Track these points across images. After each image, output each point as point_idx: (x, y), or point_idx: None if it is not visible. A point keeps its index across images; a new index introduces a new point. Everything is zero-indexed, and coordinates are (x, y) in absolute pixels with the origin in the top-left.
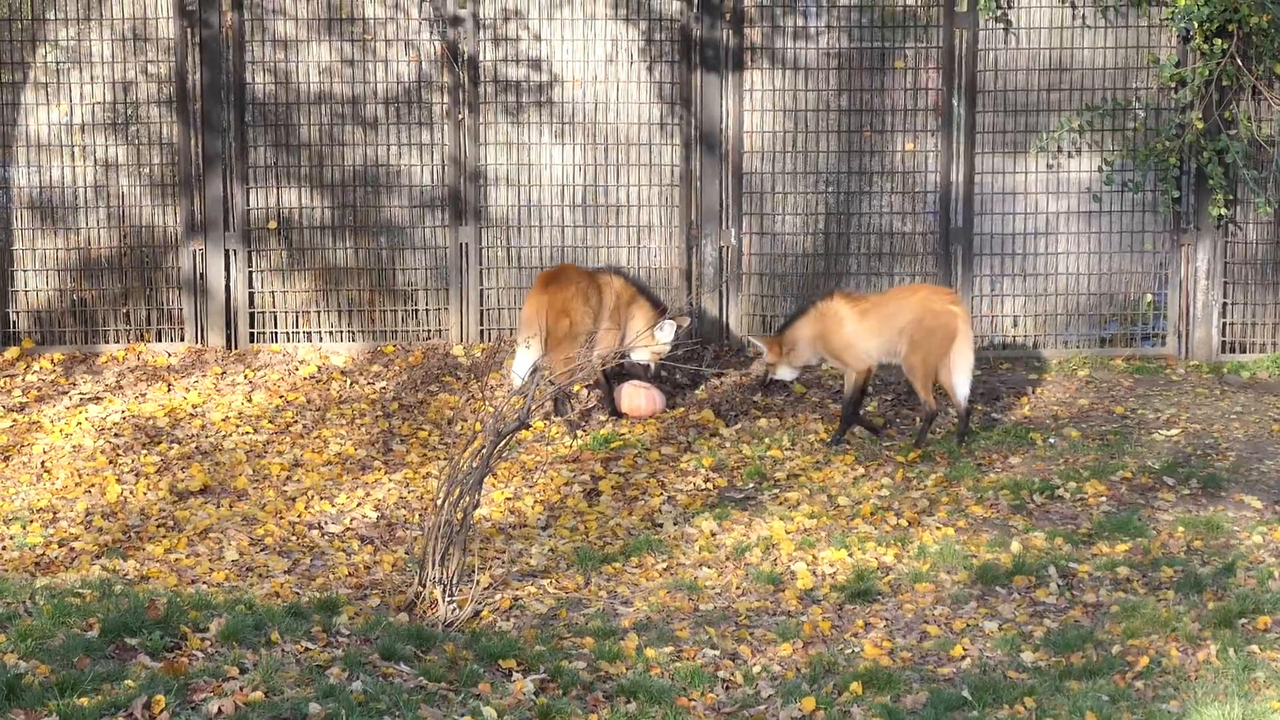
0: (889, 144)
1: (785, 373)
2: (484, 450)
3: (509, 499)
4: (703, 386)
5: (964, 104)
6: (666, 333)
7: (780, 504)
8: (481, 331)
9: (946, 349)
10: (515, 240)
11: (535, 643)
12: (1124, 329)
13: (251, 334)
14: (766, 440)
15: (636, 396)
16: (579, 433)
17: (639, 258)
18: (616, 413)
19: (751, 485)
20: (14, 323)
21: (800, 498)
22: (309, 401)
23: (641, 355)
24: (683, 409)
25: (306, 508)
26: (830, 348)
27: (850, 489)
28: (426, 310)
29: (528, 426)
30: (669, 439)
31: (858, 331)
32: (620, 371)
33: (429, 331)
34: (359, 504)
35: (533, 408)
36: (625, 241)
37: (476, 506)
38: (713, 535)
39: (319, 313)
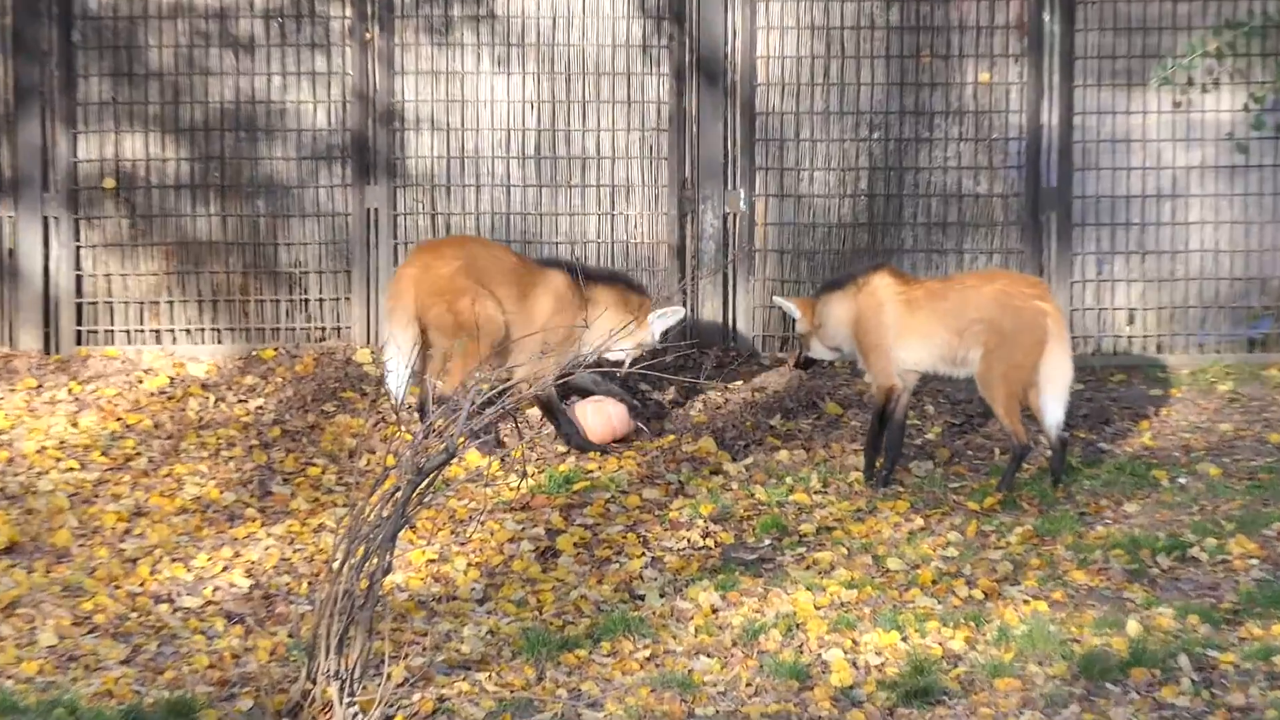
0: (956, 74)
1: (817, 349)
2: (399, 494)
3: (433, 561)
4: (700, 405)
5: (1059, 19)
6: (666, 320)
7: (807, 568)
8: None
9: (1034, 358)
10: (443, 204)
11: None
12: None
13: (79, 333)
14: (788, 480)
15: (592, 416)
16: (529, 469)
17: (612, 229)
18: (582, 444)
19: (768, 542)
20: None
21: (835, 559)
22: (157, 426)
23: (622, 347)
24: (672, 436)
25: (152, 573)
26: (858, 339)
27: (904, 547)
28: (321, 301)
29: (454, 457)
30: (654, 478)
31: (897, 327)
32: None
33: (324, 330)
34: (225, 568)
35: (463, 433)
36: (593, 206)
37: (388, 571)
38: (714, 612)
39: (172, 304)
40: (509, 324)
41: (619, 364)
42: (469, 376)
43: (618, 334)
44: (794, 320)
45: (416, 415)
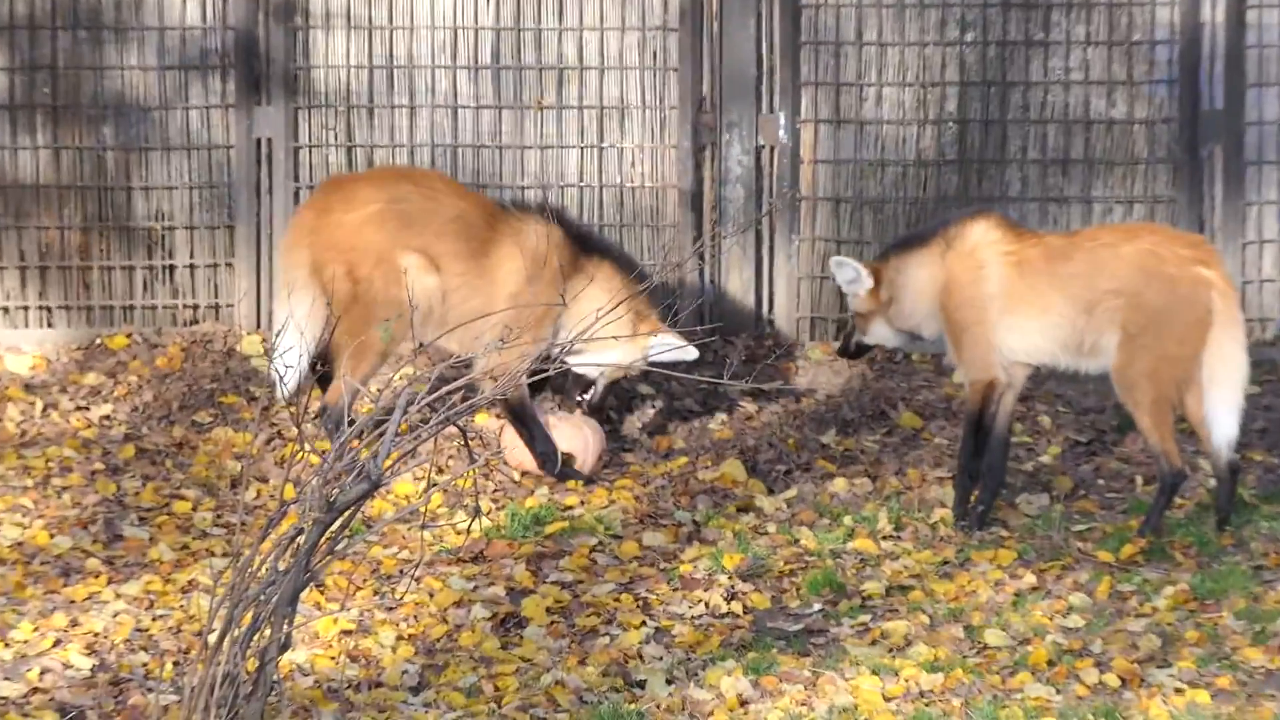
0: None
1: (880, 332)
2: (301, 539)
3: (349, 633)
4: (722, 416)
5: None
6: (669, 352)
7: (873, 643)
8: None
9: (1193, 347)
10: (364, 132)
11: None
12: None
13: None
14: (847, 520)
15: (568, 437)
16: (484, 504)
17: (600, 168)
18: (564, 470)
19: (818, 607)
20: None
21: (912, 631)
22: None
23: (595, 360)
24: (685, 459)
25: None
26: (946, 316)
27: (1009, 615)
28: (192, 268)
29: (378, 488)
30: (658, 517)
31: (1003, 299)
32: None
33: (196, 309)
34: (58, 642)
35: (391, 451)
36: (575, 137)
37: (286, 648)
38: (742, 705)
39: None
40: (449, 294)
41: (585, 384)
42: (369, 372)
43: (598, 332)
44: (854, 292)
45: (325, 427)
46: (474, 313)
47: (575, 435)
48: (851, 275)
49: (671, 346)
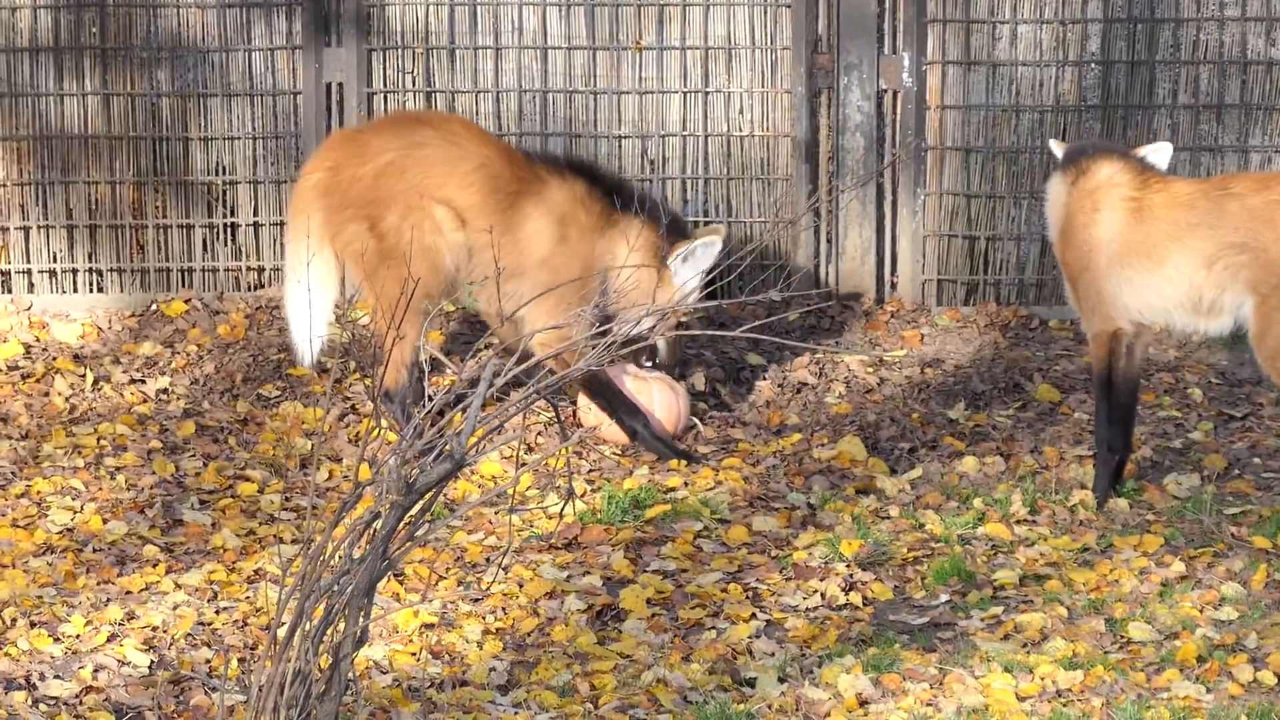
0: None
1: None
2: (378, 524)
3: (430, 627)
4: (841, 387)
5: None
6: (696, 259)
7: (1005, 637)
8: None
9: None
10: (443, 76)
11: None
12: None
13: None
14: (977, 502)
15: (659, 400)
16: (578, 486)
17: (706, 115)
18: (663, 445)
19: (945, 598)
20: None
21: (1049, 624)
22: (5, 419)
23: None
24: (798, 435)
25: None
26: (1062, 252)
27: (1155, 607)
28: (256, 226)
29: (462, 468)
30: (769, 499)
31: (1117, 244)
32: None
33: (261, 271)
34: (113, 637)
35: (476, 428)
36: (677, 81)
37: (362, 642)
38: (862, 705)
39: (27, 231)
40: (476, 253)
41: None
42: (416, 337)
43: (633, 278)
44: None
45: (392, 415)
46: (505, 276)
47: (659, 395)
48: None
49: (686, 252)
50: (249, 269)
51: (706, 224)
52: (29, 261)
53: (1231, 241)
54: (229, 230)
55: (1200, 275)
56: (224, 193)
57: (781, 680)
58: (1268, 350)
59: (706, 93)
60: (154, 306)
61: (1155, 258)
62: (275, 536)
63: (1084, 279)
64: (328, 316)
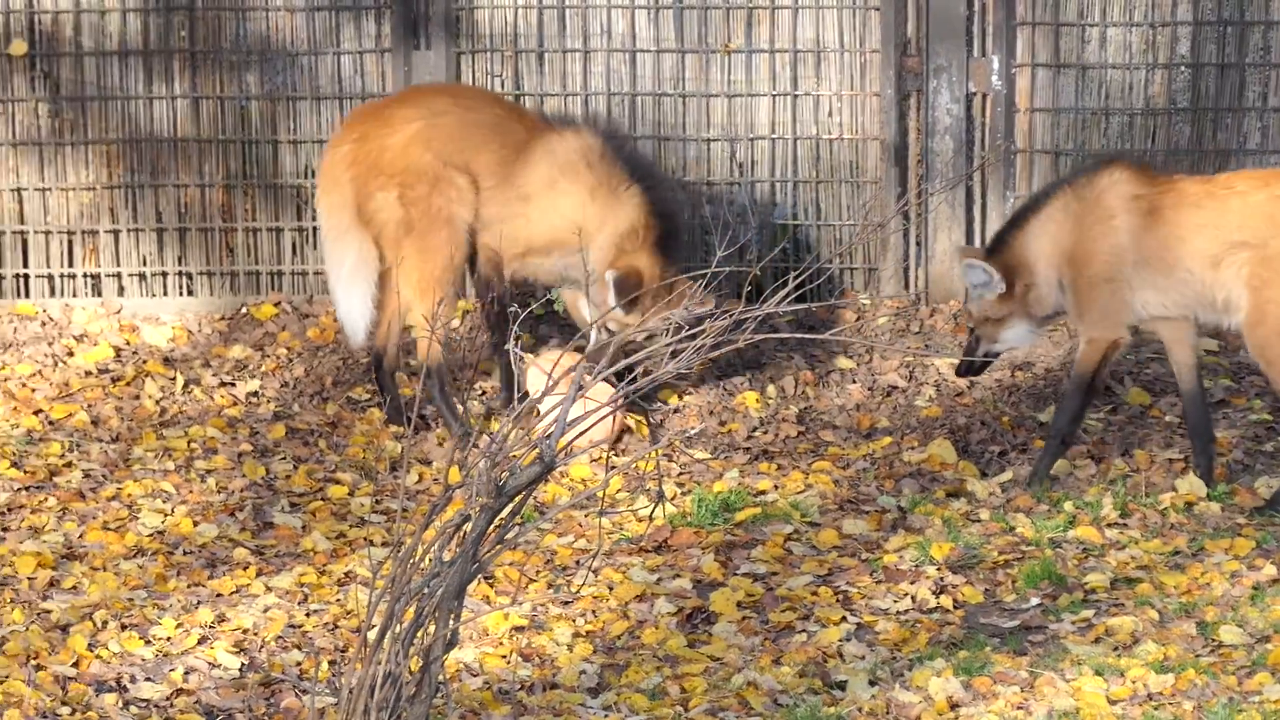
0: None
1: (1018, 331)
2: (468, 527)
3: (521, 629)
4: (931, 391)
5: None
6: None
7: (1096, 641)
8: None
9: None
10: (533, 79)
11: None
12: None
13: None
14: (1067, 505)
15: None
16: (668, 488)
17: (795, 118)
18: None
19: (1036, 602)
20: None
21: (1140, 628)
22: (97, 423)
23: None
24: (888, 439)
25: (92, 647)
26: (1075, 270)
27: (1247, 610)
28: None
29: (552, 470)
30: (860, 502)
31: (1135, 250)
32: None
33: None
34: (203, 640)
35: (563, 428)
36: (766, 84)
37: (452, 645)
38: (953, 708)
39: (118, 234)
40: (483, 210)
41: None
42: (447, 309)
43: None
44: (981, 295)
45: (429, 390)
46: (511, 231)
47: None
48: (982, 279)
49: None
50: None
51: (795, 227)
52: (119, 265)
53: (1235, 240)
54: (318, 233)
55: (1210, 275)
56: (313, 195)
57: (872, 683)
58: (1259, 339)
59: (795, 95)
60: (244, 310)
61: (1166, 261)
62: (365, 539)
63: (1105, 287)
64: (371, 290)
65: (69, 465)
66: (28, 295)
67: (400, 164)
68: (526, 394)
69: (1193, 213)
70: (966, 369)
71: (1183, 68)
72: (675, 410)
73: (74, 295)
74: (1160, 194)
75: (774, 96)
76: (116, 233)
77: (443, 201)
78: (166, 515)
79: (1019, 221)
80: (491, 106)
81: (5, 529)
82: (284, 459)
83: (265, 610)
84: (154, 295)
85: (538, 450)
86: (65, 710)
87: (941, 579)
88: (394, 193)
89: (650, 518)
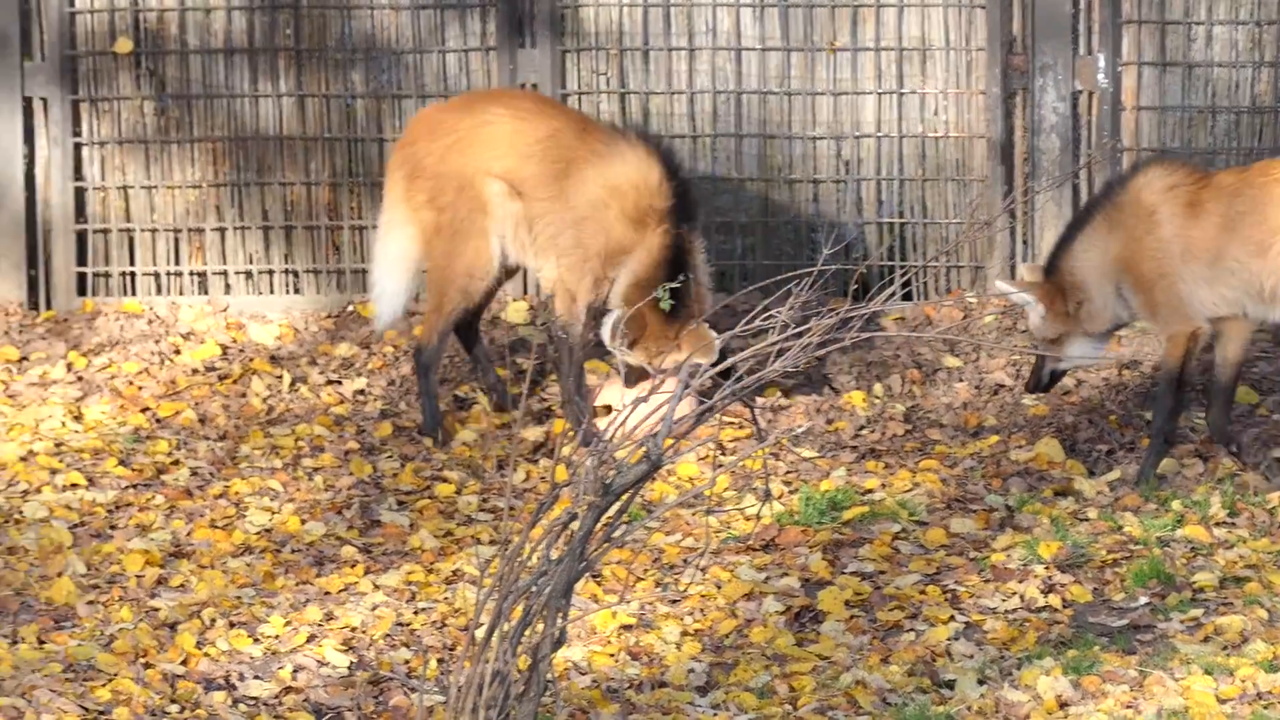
0: None
1: (1080, 348)
2: (575, 525)
3: (628, 628)
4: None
5: None
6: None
7: (1205, 639)
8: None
9: None
10: (637, 78)
11: None
12: None
13: (82, 276)
14: (1175, 504)
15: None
16: (775, 487)
17: (900, 117)
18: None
19: (1144, 600)
20: None
21: (1249, 627)
22: (204, 420)
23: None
24: (996, 438)
25: (200, 645)
26: (1134, 276)
27: None
28: None
29: (658, 469)
30: (967, 501)
31: (1180, 243)
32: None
33: None
34: (311, 638)
35: (670, 426)
36: (871, 82)
37: (560, 644)
38: (1062, 707)
39: (224, 232)
40: (535, 220)
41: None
42: (451, 311)
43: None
44: (1033, 319)
45: (416, 365)
46: (565, 243)
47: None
48: (1021, 300)
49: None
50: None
51: (901, 226)
52: (225, 263)
53: (1276, 227)
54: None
55: (1257, 263)
56: None
57: (980, 682)
58: None
59: (901, 94)
60: (350, 307)
61: (1213, 253)
62: (473, 537)
63: (1161, 283)
64: (407, 282)
65: (176, 463)
66: (134, 293)
67: (436, 169)
68: (609, 407)
69: (1233, 201)
70: (1034, 385)
71: None
72: (782, 409)
73: (180, 293)
74: (1199, 187)
75: (879, 94)
76: (223, 230)
77: (472, 210)
78: (274, 513)
79: (1066, 242)
80: (550, 118)
81: (113, 527)
82: (391, 457)
83: (373, 608)
84: (260, 293)
85: (644, 449)
86: (174, 708)
87: (1050, 578)
88: (428, 196)
89: (758, 516)
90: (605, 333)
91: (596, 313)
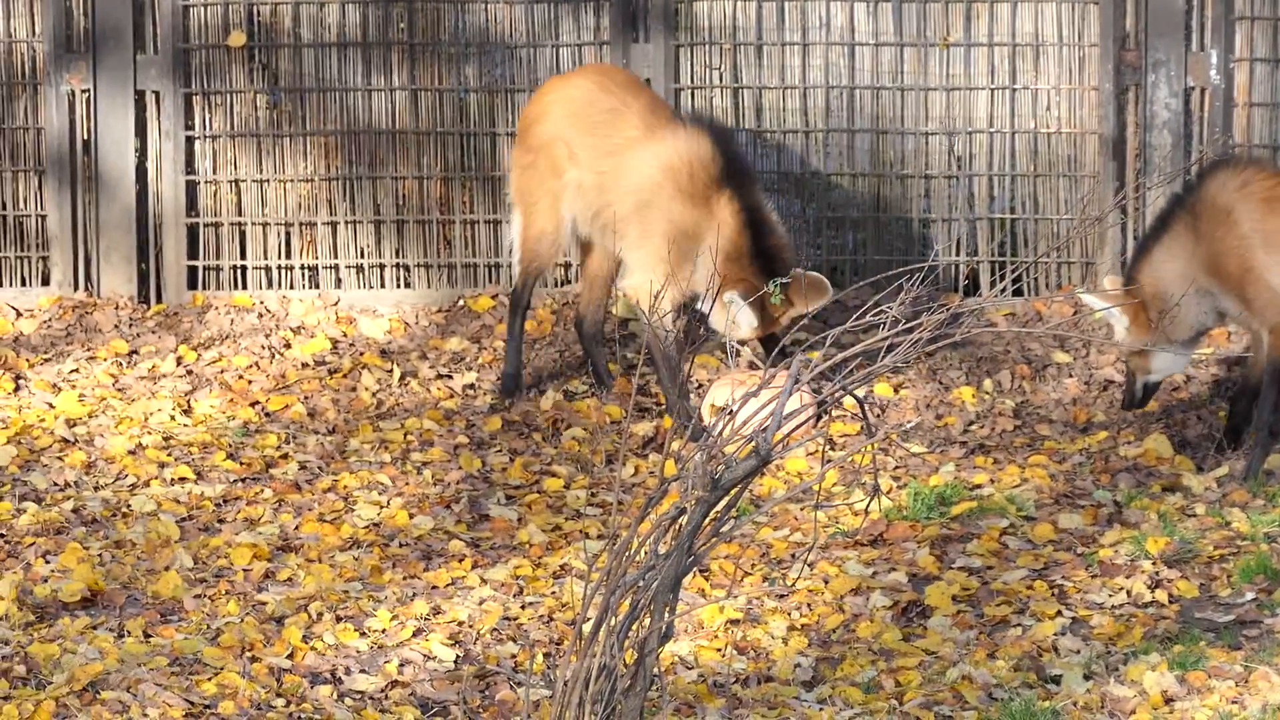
0: None
1: (1168, 360)
2: (683, 520)
3: (735, 623)
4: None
5: None
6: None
7: None
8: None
9: None
10: (751, 72)
11: None
12: None
13: (193, 270)
14: None
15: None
16: (884, 482)
17: (1013, 112)
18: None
19: (1251, 596)
20: None
21: None
22: (313, 415)
23: (718, 319)
24: (1105, 433)
25: (307, 639)
26: (1220, 276)
27: None
28: None
29: (768, 464)
30: (1075, 497)
31: (1261, 236)
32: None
33: (568, 267)
34: (418, 632)
35: (779, 421)
36: (984, 78)
37: (667, 638)
38: (1168, 702)
39: (335, 226)
40: (585, 189)
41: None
42: (531, 257)
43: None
44: (1119, 333)
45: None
46: (612, 213)
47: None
48: (1110, 315)
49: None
50: (556, 265)
51: (1012, 221)
52: (336, 257)
53: None
54: None
55: None
56: None
57: (1087, 677)
58: None
59: (1014, 89)
60: (461, 302)
61: None
62: (581, 532)
63: (1249, 279)
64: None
65: (285, 457)
66: (245, 287)
67: (524, 134)
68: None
69: None
70: (1129, 402)
71: None
72: (892, 404)
73: (291, 287)
74: (1273, 184)
75: (992, 90)
76: (334, 224)
77: (542, 173)
78: (382, 507)
79: (1143, 253)
80: (624, 94)
81: (221, 521)
82: (500, 451)
83: (480, 603)
84: (371, 287)
85: (754, 444)
86: (280, 702)
87: (1156, 573)
88: (515, 157)
89: (866, 511)
90: (714, 319)
91: (688, 303)
